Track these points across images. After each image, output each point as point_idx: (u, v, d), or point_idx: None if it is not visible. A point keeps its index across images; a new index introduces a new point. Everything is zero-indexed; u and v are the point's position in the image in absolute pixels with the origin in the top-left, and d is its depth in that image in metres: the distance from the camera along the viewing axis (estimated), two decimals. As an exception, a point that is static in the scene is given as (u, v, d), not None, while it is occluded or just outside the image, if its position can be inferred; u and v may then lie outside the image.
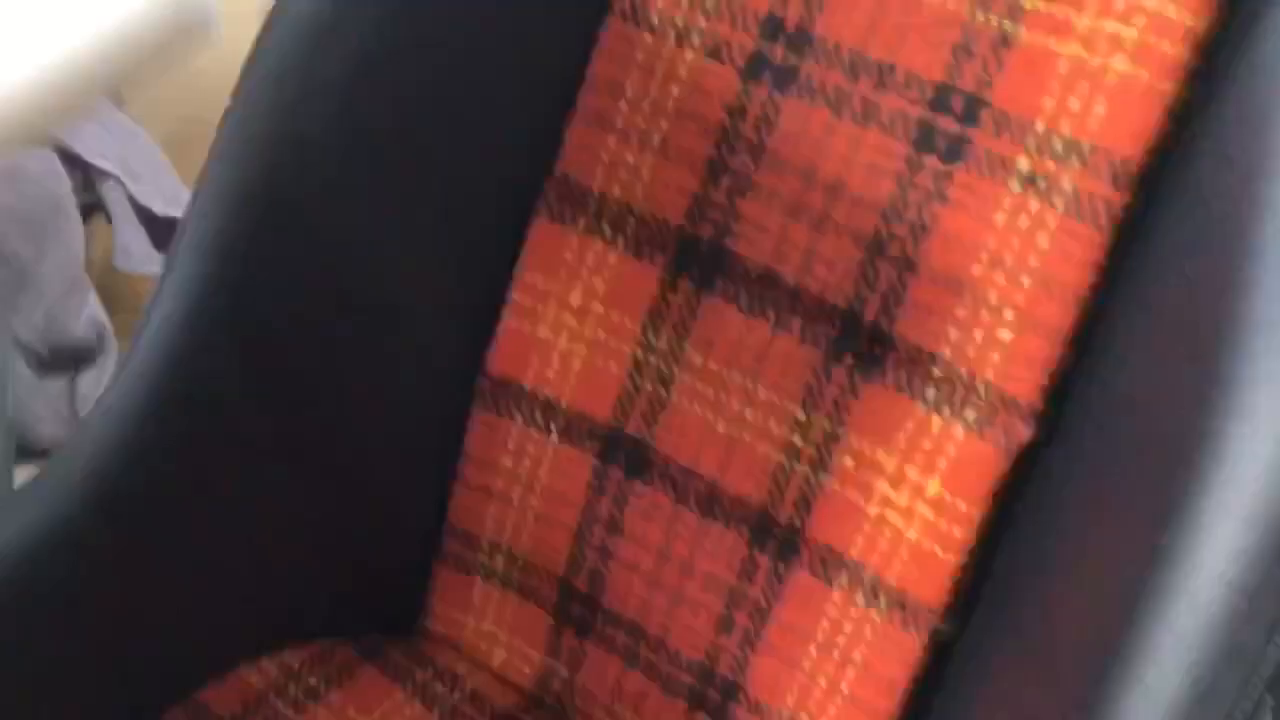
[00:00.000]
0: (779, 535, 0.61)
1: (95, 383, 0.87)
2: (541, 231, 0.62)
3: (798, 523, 0.60)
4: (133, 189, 0.95)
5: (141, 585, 0.61)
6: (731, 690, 0.64)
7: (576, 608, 0.68)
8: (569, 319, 0.63)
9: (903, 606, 0.57)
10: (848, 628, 0.59)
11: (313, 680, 0.67)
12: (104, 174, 0.94)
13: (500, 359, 0.65)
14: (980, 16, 0.53)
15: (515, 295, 0.64)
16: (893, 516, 0.57)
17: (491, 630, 0.71)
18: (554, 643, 0.69)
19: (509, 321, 0.64)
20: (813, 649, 0.61)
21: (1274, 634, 0.41)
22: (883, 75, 0.55)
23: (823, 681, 0.61)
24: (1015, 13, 0.52)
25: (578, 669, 0.69)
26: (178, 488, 0.60)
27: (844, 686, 0.60)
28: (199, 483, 0.61)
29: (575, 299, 0.63)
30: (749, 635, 0.62)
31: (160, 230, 0.94)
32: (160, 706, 0.64)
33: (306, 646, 0.69)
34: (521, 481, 0.67)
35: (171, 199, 0.95)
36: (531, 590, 0.69)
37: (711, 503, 0.62)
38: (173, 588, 0.63)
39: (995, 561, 0.57)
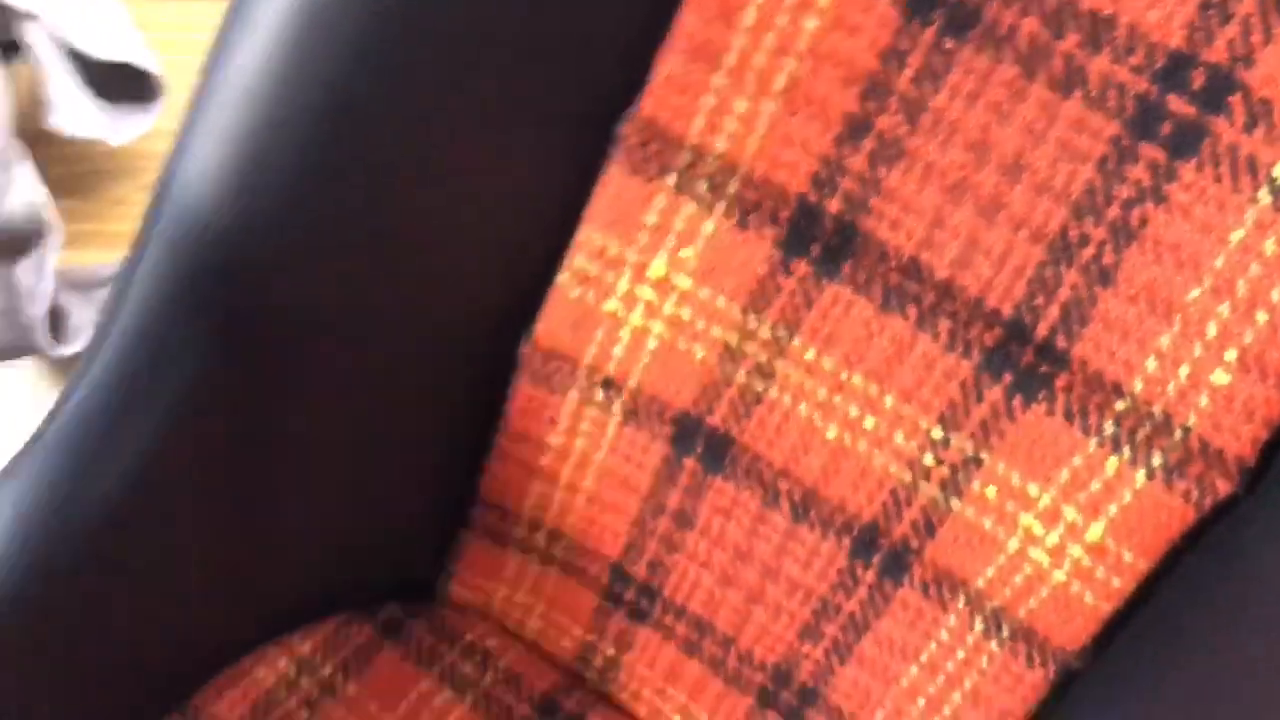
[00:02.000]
0: (887, 551, 0.52)
1: (35, 273, 0.72)
2: (616, 185, 0.49)
3: (914, 543, 0.51)
4: (62, 30, 0.76)
5: (141, 583, 0.51)
6: (811, 696, 0.57)
7: (630, 593, 0.59)
8: (647, 293, 0.51)
9: (1028, 641, 0.50)
10: (960, 654, 0.52)
11: (327, 670, 0.59)
12: (20, 13, 0.75)
13: (553, 330, 0.53)
14: (1245, -37, 0.40)
15: (578, 259, 0.51)
16: (1035, 553, 0.49)
17: (526, 601, 0.63)
18: (600, 622, 0.61)
19: (568, 289, 0.52)
20: (913, 668, 0.54)
21: None
22: (1097, 30, 0.42)
23: (922, 701, 0.54)
24: (1296, -37, 0.39)
25: (626, 650, 0.61)
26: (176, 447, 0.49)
27: (946, 709, 0.54)
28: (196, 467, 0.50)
29: (657, 270, 0.50)
30: (838, 645, 0.55)
31: (104, 79, 0.76)
32: (161, 704, 0.55)
33: (320, 627, 0.60)
34: (571, 462, 0.57)
35: (116, 38, 0.77)
36: (577, 570, 0.60)
37: (807, 508, 0.53)
38: (171, 582, 0.53)
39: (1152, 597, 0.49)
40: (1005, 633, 0.51)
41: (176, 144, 0.46)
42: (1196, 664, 0.46)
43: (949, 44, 0.44)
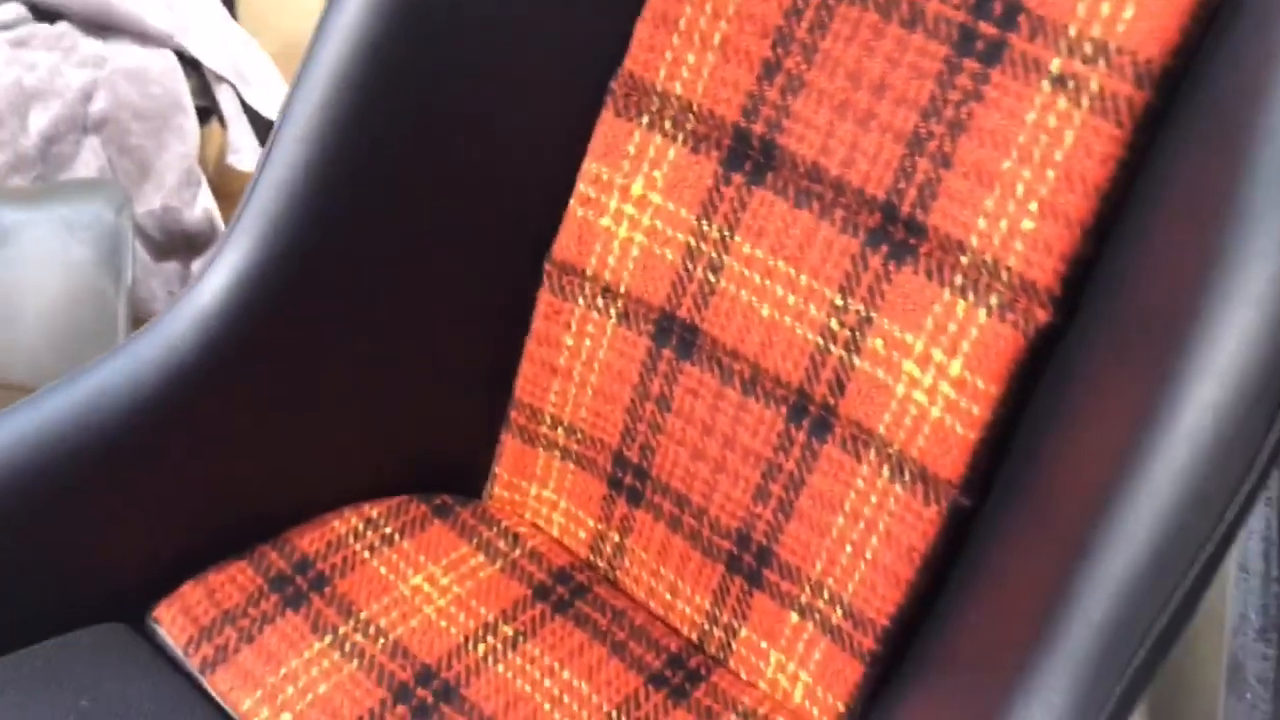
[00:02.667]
0: (813, 412, 0.66)
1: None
2: (608, 125, 0.68)
3: (831, 400, 0.65)
4: (245, 93, 1.03)
5: (244, 432, 0.69)
6: (765, 555, 0.69)
7: (628, 477, 0.73)
8: (630, 209, 0.68)
9: (924, 480, 0.62)
10: (874, 499, 0.64)
11: (388, 529, 0.75)
12: (219, 78, 1.02)
13: (565, 245, 0.71)
14: (1022, -74, 0.56)
15: (581, 185, 0.69)
16: (918, 395, 0.61)
17: (551, 497, 0.77)
18: (607, 510, 0.75)
19: (574, 210, 0.70)
20: (840, 518, 0.66)
21: (1239, 486, 0.45)
22: (929, -19, 0.59)
23: (848, 548, 0.66)
24: (1055, -78, 0.56)
25: (627, 534, 0.75)
26: (279, 343, 0.67)
27: (868, 553, 0.65)
28: (298, 338, 0.68)
29: (636, 190, 0.68)
30: (782, 504, 0.68)
31: (268, 133, 1.01)
32: (255, 541, 0.71)
33: (385, 501, 0.76)
34: (581, 359, 0.73)
35: (276, 99, 1.02)
36: (588, 461, 0.75)
37: (753, 382, 0.67)
38: (269, 437, 0.71)
39: (1013, 442, 0.61)
40: (906, 475, 0.63)
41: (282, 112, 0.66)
42: (1031, 492, 0.57)
43: (832, 1, 0.61)
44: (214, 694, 0.63)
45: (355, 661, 0.66)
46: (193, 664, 0.64)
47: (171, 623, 0.65)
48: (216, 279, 0.63)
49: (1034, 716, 0.48)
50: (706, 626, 0.73)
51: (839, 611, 0.67)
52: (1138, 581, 0.46)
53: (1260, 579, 0.64)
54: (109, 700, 0.59)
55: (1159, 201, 0.53)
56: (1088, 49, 0.55)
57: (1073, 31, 0.55)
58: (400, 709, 0.64)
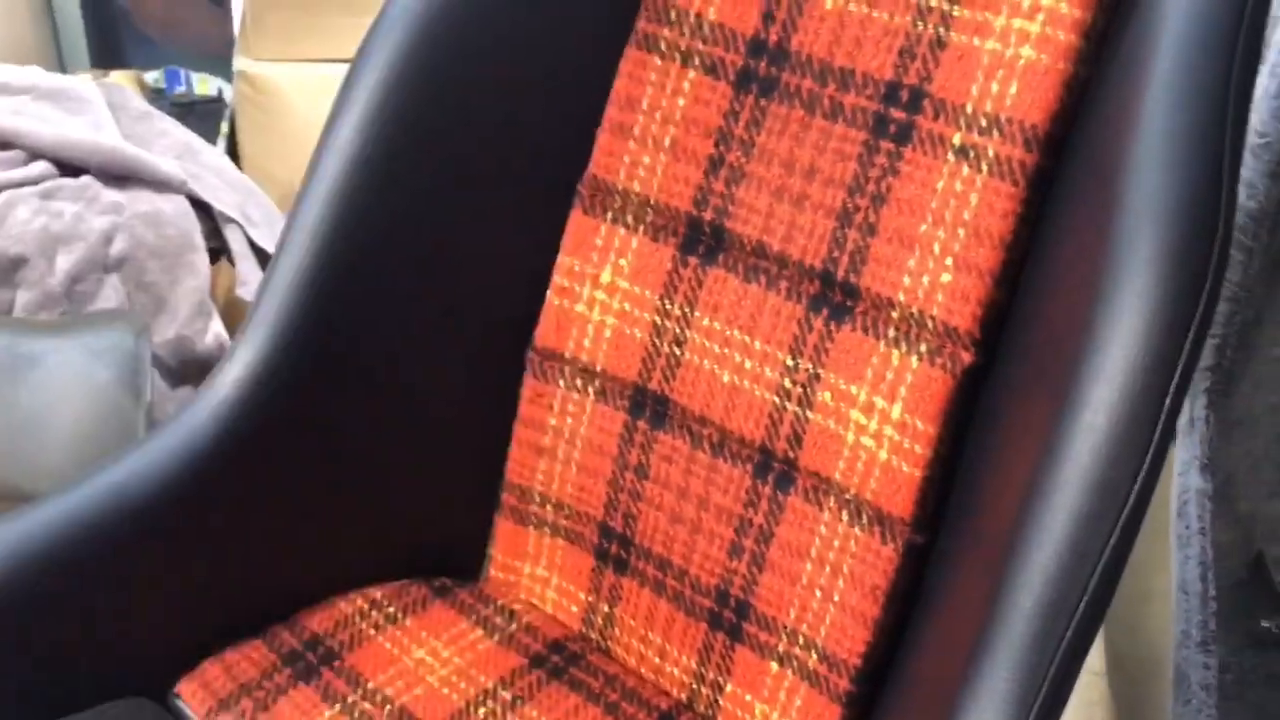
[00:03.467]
0: (777, 467, 0.72)
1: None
2: (577, 223, 0.76)
3: (791, 454, 0.71)
4: (251, 232, 1.12)
5: (257, 518, 0.75)
6: (743, 609, 0.74)
7: (614, 546, 0.79)
8: (600, 295, 0.76)
9: (879, 521, 0.68)
10: (836, 543, 0.70)
11: (392, 609, 0.80)
12: (227, 219, 1.11)
13: (545, 333, 0.78)
14: (919, 25, 0.66)
15: (557, 277, 0.77)
16: (866, 440, 0.68)
17: (544, 574, 0.83)
18: (596, 581, 0.80)
19: (552, 300, 0.77)
20: (808, 564, 0.71)
21: (1138, 471, 0.51)
22: (845, 78, 0.68)
23: (818, 593, 0.71)
24: (946, 20, 0.65)
25: (616, 603, 0.80)
26: (289, 433, 0.74)
27: (836, 596, 0.70)
28: (306, 429, 0.74)
29: (605, 278, 0.76)
30: (755, 557, 0.73)
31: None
32: (268, 623, 0.76)
33: (389, 585, 0.82)
34: (565, 438, 0.79)
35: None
36: (576, 534, 0.80)
37: (721, 444, 0.74)
38: (280, 524, 0.77)
39: (956, 477, 0.67)
40: (863, 518, 0.69)
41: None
42: (970, 523, 0.63)
43: (763, 103, 0.70)
44: (232, 759, 0.68)
45: (363, 726, 0.71)
46: (212, 733, 0.69)
47: (192, 696, 0.70)
48: (231, 372, 0.70)
49: (980, 703, 0.53)
50: (694, 686, 0.77)
51: (814, 656, 0.71)
52: (1059, 568, 0.52)
53: (1199, 598, 0.69)
54: (135, 764, 0.63)
55: (1055, 245, 0.60)
56: (983, 122, 0.63)
57: (969, 109, 0.64)
58: (406, 767, 0.68)
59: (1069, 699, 0.54)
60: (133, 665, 0.70)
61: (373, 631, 0.78)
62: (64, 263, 1.00)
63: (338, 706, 0.71)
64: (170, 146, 1.15)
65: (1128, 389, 0.51)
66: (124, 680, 0.69)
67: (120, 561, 0.68)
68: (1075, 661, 0.52)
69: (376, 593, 0.81)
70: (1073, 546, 0.51)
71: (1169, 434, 0.51)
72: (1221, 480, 0.79)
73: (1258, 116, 0.77)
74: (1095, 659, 1.03)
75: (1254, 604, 0.86)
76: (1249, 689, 0.83)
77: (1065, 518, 0.51)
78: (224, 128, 1.40)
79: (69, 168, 1.07)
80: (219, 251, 1.12)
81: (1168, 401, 0.50)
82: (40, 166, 1.05)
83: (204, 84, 1.80)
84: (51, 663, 0.66)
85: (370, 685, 0.73)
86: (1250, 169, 0.78)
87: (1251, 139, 0.78)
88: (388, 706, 0.72)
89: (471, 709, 0.73)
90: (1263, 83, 0.77)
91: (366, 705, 0.72)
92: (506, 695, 0.75)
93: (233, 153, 1.39)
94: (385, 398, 0.79)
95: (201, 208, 1.11)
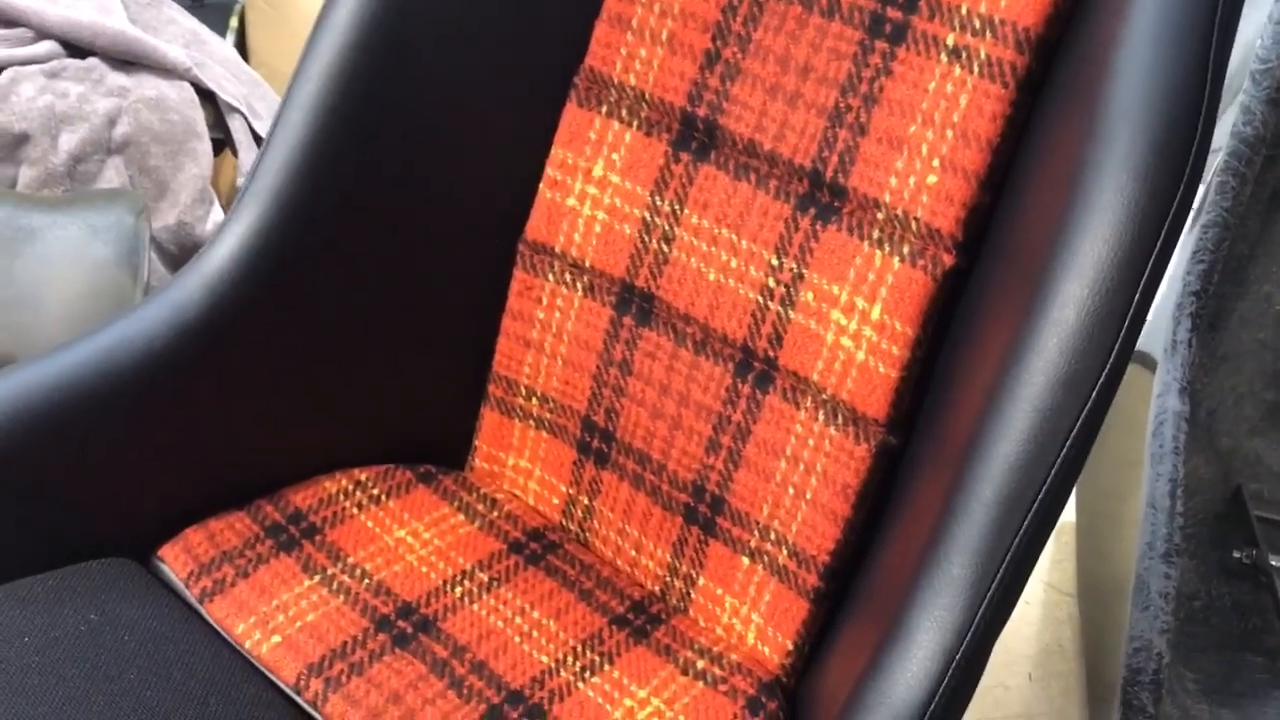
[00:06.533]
0: (757, 367, 0.73)
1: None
2: (571, 115, 0.76)
3: (771, 354, 0.72)
4: (255, 124, 1.12)
5: (244, 391, 0.76)
6: (718, 504, 0.75)
7: (595, 440, 0.80)
8: (592, 189, 0.76)
9: (854, 421, 0.69)
10: (811, 442, 0.71)
11: (376, 490, 0.81)
12: (231, 109, 1.11)
13: (536, 226, 0.79)
14: (921, -75, 0.65)
15: (549, 170, 0.77)
16: (845, 341, 0.68)
17: (527, 466, 0.84)
18: (577, 475, 0.82)
19: (543, 193, 0.78)
20: (783, 462, 0.72)
21: (1102, 368, 0.51)
22: (844, -25, 0.67)
23: (791, 490, 0.72)
24: (948, -80, 0.64)
25: (596, 496, 0.81)
26: (278, 309, 0.75)
27: (808, 494, 0.71)
28: (296, 306, 0.75)
29: (597, 171, 0.76)
30: (732, 454, 0.74)
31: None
32: (252, 496, 0.78)
33: (374, 467, 0.83)
34: (552, 332, 0.80)
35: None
36: (559, 428, 0.82)
37: (704, 342, 0.74)
38: (267, 398, 0.78)
39: (930, 383, 0.68)
40: (839, 418, 0.69)
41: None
42: (937, 425, 0.64)
43: (761, -1, 0.70)
44: (211, 620, 0.70)
45: (341, 597, 0.72)
46: (192, 594, 0.70)
47: (174, 560, 0.72)
48: (223, 246, 0.71)
49: (935, 586, 0.54)
50: (668, 578, 0.79)
51: (785, 552, 0.73)
52: (1020, 459, 0.53)
53: (1166, 514, 0.70)
54: (115, 617, 0.65)
55: (1037, 153, 0.60)
56: (976, 23, 0.63)
57: (964, 9, 0.63)
58: (381, 636, 0.70)
59: (1023, 590, 0.55)
60: (117, 527, 0.71)
61: (355, 510, 0.80)
62: (67, 142, 1.00)
63: (317, 578, 0.73)
64: (178, 34, 1.15)
65: (1097, 285, 0.51)
66: (108, 542, 0.71)
67: (106, 425, 0.70)
68: (1031, 551, 0.53)
69: (361, 474, 0.82)
70: (1035, 440, 0.52)
71: (1135, 331, 0.51)
72: (1205, 414, 0.79)
73: (1260, 42, 0.77)
74: (1066, 580, 1.05)
75: (1229, 536, 0.88)
76: (1215, 614, 0.84)
77: (1029, 409, 0.52)
78: (233, 23, 1.40)
79: (76, 49, 1.07)
80: (222, 143, 1.12)
81: (1136, 298, 0.51)
82: (47, 45, 1.05)
83: (217, -19, 1.79)
84: (35, 520, 0.68)
85: (350, 560, 0.75)
86: (1249, 94, 0.77)
87: (1253, 64, 0.77)
88: (366, 580, 0.74)
89: (448, 587, 0.75)
90: (1268, 7, 0.76)
91: (345, 578, 0.74)
92: (483, 576, 0.76)
93: (241, 50, 1.39)
94: (376, 282, 0.80)
95: (207, 97, 1.11)
